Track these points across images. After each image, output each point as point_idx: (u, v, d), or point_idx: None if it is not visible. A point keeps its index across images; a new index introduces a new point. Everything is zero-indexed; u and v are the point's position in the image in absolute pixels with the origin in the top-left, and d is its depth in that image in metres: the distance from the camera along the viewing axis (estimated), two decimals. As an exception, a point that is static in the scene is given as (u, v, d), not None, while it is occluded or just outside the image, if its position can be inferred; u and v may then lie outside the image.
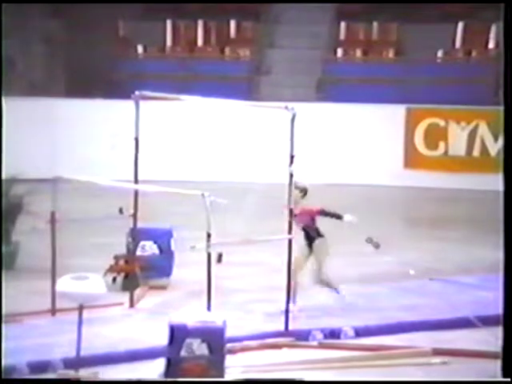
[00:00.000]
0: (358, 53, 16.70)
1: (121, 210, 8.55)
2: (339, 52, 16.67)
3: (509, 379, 5.30)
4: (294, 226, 7.86)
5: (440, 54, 16.27)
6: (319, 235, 8.32)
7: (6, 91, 15.64)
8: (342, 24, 16.70)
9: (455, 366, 7.05)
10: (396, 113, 15.34)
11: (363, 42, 16.75)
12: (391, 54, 16.67)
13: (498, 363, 5.37)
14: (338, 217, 8.29)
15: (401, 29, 16.51)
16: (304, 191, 8.27)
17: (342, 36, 16.77)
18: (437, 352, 7.25)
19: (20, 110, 14.96)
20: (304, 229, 8.27)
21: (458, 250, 10.80)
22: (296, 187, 7.95)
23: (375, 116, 15.37)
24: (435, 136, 15.40)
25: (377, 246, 10.92)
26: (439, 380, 6.63)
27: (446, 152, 15.40)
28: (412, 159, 15.48)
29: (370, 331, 7.81)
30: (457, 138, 15.30)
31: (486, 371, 6.33)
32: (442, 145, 15.42)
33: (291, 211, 7.76)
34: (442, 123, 15.37)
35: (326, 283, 8.29)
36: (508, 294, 5.24)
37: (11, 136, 14.86)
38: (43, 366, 6.85)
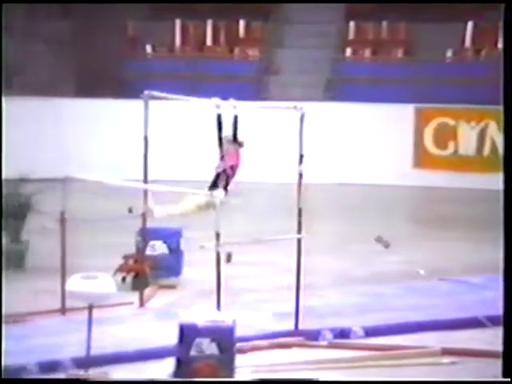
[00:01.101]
0: (367, 52, 16.68)
1: (130, 210, 8.56)
2: (348, 51, 16.66)
3: (509, 379, 5.29)
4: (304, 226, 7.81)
5: (449, 53, 16.25)
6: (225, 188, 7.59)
7: (15, 91, 15.73)
8: (351, 24, 16.69)
9: (464, 366, 7.04)
10: (405, 112, 15.32)
11: (372, 41, 16.73)
12: (400, 54, 16.65)
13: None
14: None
15: (410, 28, 16.48)
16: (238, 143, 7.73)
17: (351, 35, 16.76)
18: (446, 352, 7.24)
19: (29, 109, 14.99)
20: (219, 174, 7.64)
21: (467, 250, 10.78)
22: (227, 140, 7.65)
23: (384, 115, 15.35)
24: (444, 135, 15.37)
25: (386, 245, 10.93)
26: (439, 380, 6.62)
27: (455, 151, 15.37)
28: (421, 159, 15.46)
29: (379, 331, 7.80)
30: (466, 138, 15.28)
31: (495, 371, 6.32)
32: (451, 144, 15.39)
33: (300, 211, 7.75)
34: (451, 123, 15.35)
35: None
36: (508, 294, 5.24)
37: (21, 136, 14.96)
38: (53, 366, 6.86)
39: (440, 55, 16.19)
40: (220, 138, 7.81)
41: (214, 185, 7.66)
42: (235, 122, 7.77)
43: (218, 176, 7.71)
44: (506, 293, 5.22)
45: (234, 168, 7.73)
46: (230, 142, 7.78)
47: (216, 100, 7.78)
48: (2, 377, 6.15)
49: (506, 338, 5.22)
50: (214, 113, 7.73)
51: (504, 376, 5.30)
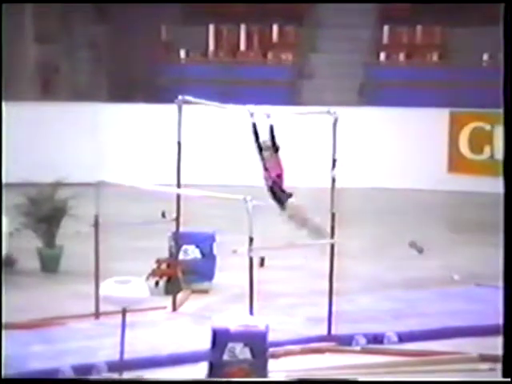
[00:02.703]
0: (401, 56, 16.61)
1: (163, 214, 8.58)
2: (382, 56, 16.59)
3: (509, 379, 5.23)
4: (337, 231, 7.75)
5: (485, 57, 16.12)
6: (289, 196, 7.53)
7: (51, 96, 15.84)
8: (385, 28, 16.63)
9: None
10: (440, 117, 15.23)
11: (406, 45, 16.66)
12: (435, 58, 16.56)
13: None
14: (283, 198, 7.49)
15: (445, 32, 16.39)
16: (275, 149, 7.62)
17: (385, 40, 16.70)
18: (484, 358, 7.15)
19: (64, 115, 15.09)
20: (272, 188, 7.56)
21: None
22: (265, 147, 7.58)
23: (419, 120, 15.27)
24: (480, 140, 15.26)
25: (420, 250, 10.86)
26: (440, 380, 6.54)
27: (491, 156, 15.25)
28: (456, 163, 15.35)
29: (413, 336, 7.74)
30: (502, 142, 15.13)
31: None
32: (487, 149, 15.27)
33: (333, 216, 7.72)
34: (487, 127, 15.23)
35: (315, 229, 7.49)
36: (508, 295, 5.18)
37: (56, 141, 15.07)
38: (87, 369, 6.88)
39: (476, 59, 16.08)
40: (259, 147, 7.80)
41: (279, 201, 7.59)
42: (271, 131, 7.74)
43: (273, 191, 7.63)
44: (506, 293, 5.17)
45: (280, 176, 7.72)
46: (269, 148, 7.76)
47: (250, 107, 7.76)
48: (2, 376, 6.16)
49: (506, 338, 5.17)
50: (249, 121, 7.70)
51: (504, 376, 5.25)
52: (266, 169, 7.70)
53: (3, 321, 7.05)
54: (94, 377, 6.65)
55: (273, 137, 7.76)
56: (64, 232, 9.84)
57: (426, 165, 15.21)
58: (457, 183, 14.97)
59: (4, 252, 9.57)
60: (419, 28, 16.62)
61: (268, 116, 7.73)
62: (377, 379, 6.63)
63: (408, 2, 16.33)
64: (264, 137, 7.79)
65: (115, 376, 6.77)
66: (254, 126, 7.69)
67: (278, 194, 7.67)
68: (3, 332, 6.92)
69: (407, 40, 16.70)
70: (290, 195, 7.66)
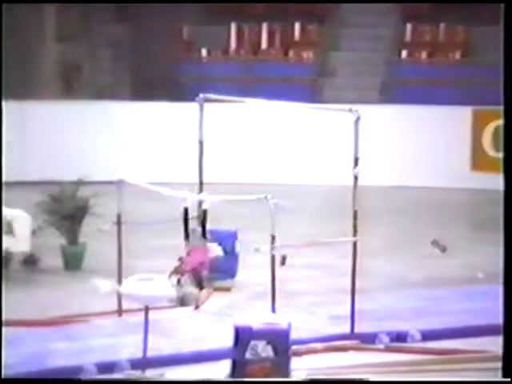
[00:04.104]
0: (424, 54, 16.54)
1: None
2: (404, 54, 16.52)
3: (509, 379, 5.20)
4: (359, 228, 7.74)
5: (508, 54, 16.01)
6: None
7: (72, 95, 15.89)
8: (408, 25, 16.56)
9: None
10: (463, 115, 15.14)
11: (429, 43, 16.58)
12: (458, 56, 16.47)
13: None
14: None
15: (468, 30, 16.30)
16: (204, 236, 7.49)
17: (408, 38, 16.63)
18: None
19: (85, 113, 15.14)
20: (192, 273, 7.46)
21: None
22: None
23: (441, 118, 15.20)
24: (503, 138, 15.15)
25: (443, 249, 10.79)
26: (440, 380, 6.51)
27: (514, 154, 15.14)
28: (479, 161, 15.26)
29: (437, 335, 7.70)
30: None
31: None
32: (509, 147, 15.16)
33: (355, 213, 7.69)
34: (510, 125, 15.12)
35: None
36: (508, 294, 5.15)
37: (78, 139, 15.11)
38: (110, 367, 6.89)
39: (499, 57, 15.96)
40: (186, 232, 7.63)
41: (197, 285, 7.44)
42: (204, 216, 7.59)
43: (194, 277, 7.50)
44: (506, 292, 5.13)
45: (203, 264, 7.57)
46: (198, 238, 7.61)
47: (185, 193, 7.56)
48: (3, 377, 6.17)
49: (505, 338, 5.13)
50: (181, 207, 7.48)
51: (504, 376, 5.22)
52: (188, 253, 7.52)
53: (4, 319, 7.08)
54: (94, 377, 6.63)
55: (204, 223, 7.51)
56: (86, 230, 9.86)
57: (448, 163, 15.13)
58: (480, 181, 14.88)
59: (27, 250, 9.62)
60: (442, 26, 16.54)
61: (203, 201, 7.56)
62: (387, 379, 6.59)
63: (427, 2, 16.26)
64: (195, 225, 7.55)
65: (137, 373, 6.77)
66: (186, 210, 7.55)
67: (196, 280, 7.50)
68: (2, 331, 6.93)
69: (429, 38, 16.63)
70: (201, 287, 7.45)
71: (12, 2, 13.34)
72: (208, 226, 8.73)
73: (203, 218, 7.62)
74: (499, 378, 5.31)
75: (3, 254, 9.28)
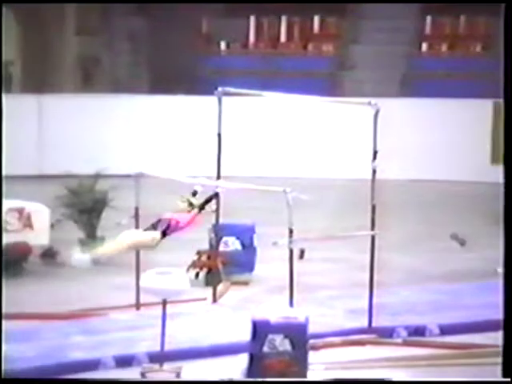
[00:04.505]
0: (444, 47, 16.44)
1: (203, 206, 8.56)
2: (424, 47, 16.44)
3: (509, 379, 5.16)
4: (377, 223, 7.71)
5: (529, 47, 15.90)
6: None
7: (91, 88, 15.93)
8: (428, 18, 16.48)
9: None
10: (483, 108, 15.06)
11: (449, 36, 16.49)
12: (478, 49, 16.37)
13: None
14: None
15: (488, 22, 16.20)
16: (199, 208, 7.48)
17: (428, 31, 16.55)
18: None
19: (104, 107, 15.16)
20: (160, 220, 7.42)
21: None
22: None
23: (462, 111, 15.12)
24: (523, 131, 15.06)
25: (462, 242, 10.74)
26: (439, 380, 6.47)
27: (534, 147, 15.05)
28: (499, 155, 15.12)
29: (455, 329, 7.67)
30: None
31: None
32: (530, 140, 15.07)
33: (374, 207, 7.66)
34: (530, 118, 15.02)
35: None
36: (508, 294, 5.11)
37: (96, 133, 15.14)
38: (128, 360, 6.91)
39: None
40: (195, 192, 7.66)
41: (152, 227, 7.46)
42: (212, 197, 7.59)
43: (159, 221, 7.50)
44: (506, 292, 5.09)
45: (179, 226, 7.50)
46: (192, 205, 7.56)
47: (203, 180, 7.66)
48: (3, 376, 6.17)
49: (505, 338, 5.09)
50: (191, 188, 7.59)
51: (504, 376, 5.18)
52: (176, 212, 7.48)
53: (21, 312, 7.09)
54: (93, 377, 6.64)
55: (208, 201, 7.57)
56: (105, 224, 9.88)
57: (469, 156, 15.05)
58: (500, 175, 14.78)
59: (46, 243, 9.64)
60: (462, 18, 16.44)
61: (216, 186, 7.62)
62: (405, 373, 6.56)
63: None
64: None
65: (155, 366, 6.78)
66: (195, 191, 7.59)
67: (159, 226, 7.46)
68: (7, 328, 6.93)
69: (450, 31, 16.53)
70: (162, 235, 7.43)
71: (12, 2, 13.38)
72: (226, 220, 8.74)
73: (210, 199, 7.60)
74: (499, 378, 5.27)
75: (22, 246, 9.31)
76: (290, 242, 7.16)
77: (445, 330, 7.64)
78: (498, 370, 6.78)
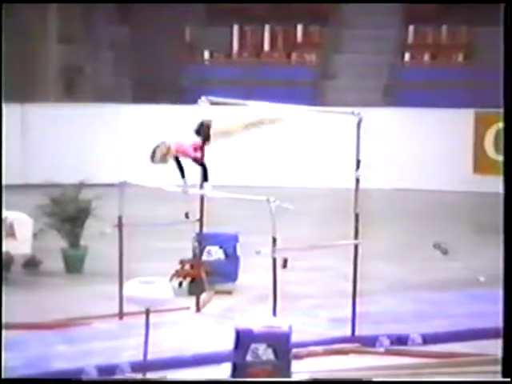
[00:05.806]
0: (426, 57, 16.52)
1: (187, 215, 8.57)
2: (407, 56, 16.52)
3: (509, 379, 5.19)
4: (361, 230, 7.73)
5: (510, 57, 15.99)
6: None
7: (74, 97, 15.90)
8: (410, 28, 16.56)
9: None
10: (465, 117, 15.13)
11: (431, 45, 16.57)
12: (460, 58, 16.46)
13: None
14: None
15: (471, 32, 16.29)
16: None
17: (410, 40, 16.63)
18: (507, 360, 7.08)
19: (87, 115, 15.14)
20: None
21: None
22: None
23: (444, 121, 15.19)
24: (505, 140, 15.14)
25: (445, 251, 10.78)
26: (439, 380, 6.49)
27: (516, 157, 15.13)
28: (482, 164, 15.25)
29: (438, 338, 7.69)
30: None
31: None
32: (512, 149, 15.15)
33: (357, 216, 7.69)
34: (512, 127, 15.11)
35: None
36: (508, 293, 5.14)
37: (79, 142, 15.12)
38: (111, 370, 6.89)
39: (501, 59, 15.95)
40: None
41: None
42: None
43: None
44: (505, 292, 5.13)
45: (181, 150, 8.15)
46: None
47: (187, 187, 8.04)
48: (3, 377, 6.16)
49: (505, 337, 5.13)
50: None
51: (504, 376, 5.21)
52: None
53: (4, 321, 7.07)
54: (93, 378, 6.64)
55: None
56: (88, 233, 9.86)
57: (451, 166, 15.12)
58: (482, 184, 14.87)
59: (29, 253, 9.61)
60: (444, 28, 16.52)
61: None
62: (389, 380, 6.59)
63: (431, 3, 16.25)
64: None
65: (138, 376, 6.77)
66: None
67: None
68: (3, 333, 6.93)
69: (432, 40, 16.61)
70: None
71: (12, 2, 13.34)
72: (209, 230, 8.74)
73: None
74: (499, 378, 5.30)
75: (4, 256, 9.28)
76: (274, 251, 7.17)
77: (427, 339, 7.66)
78: (482, 378, 6.82)
